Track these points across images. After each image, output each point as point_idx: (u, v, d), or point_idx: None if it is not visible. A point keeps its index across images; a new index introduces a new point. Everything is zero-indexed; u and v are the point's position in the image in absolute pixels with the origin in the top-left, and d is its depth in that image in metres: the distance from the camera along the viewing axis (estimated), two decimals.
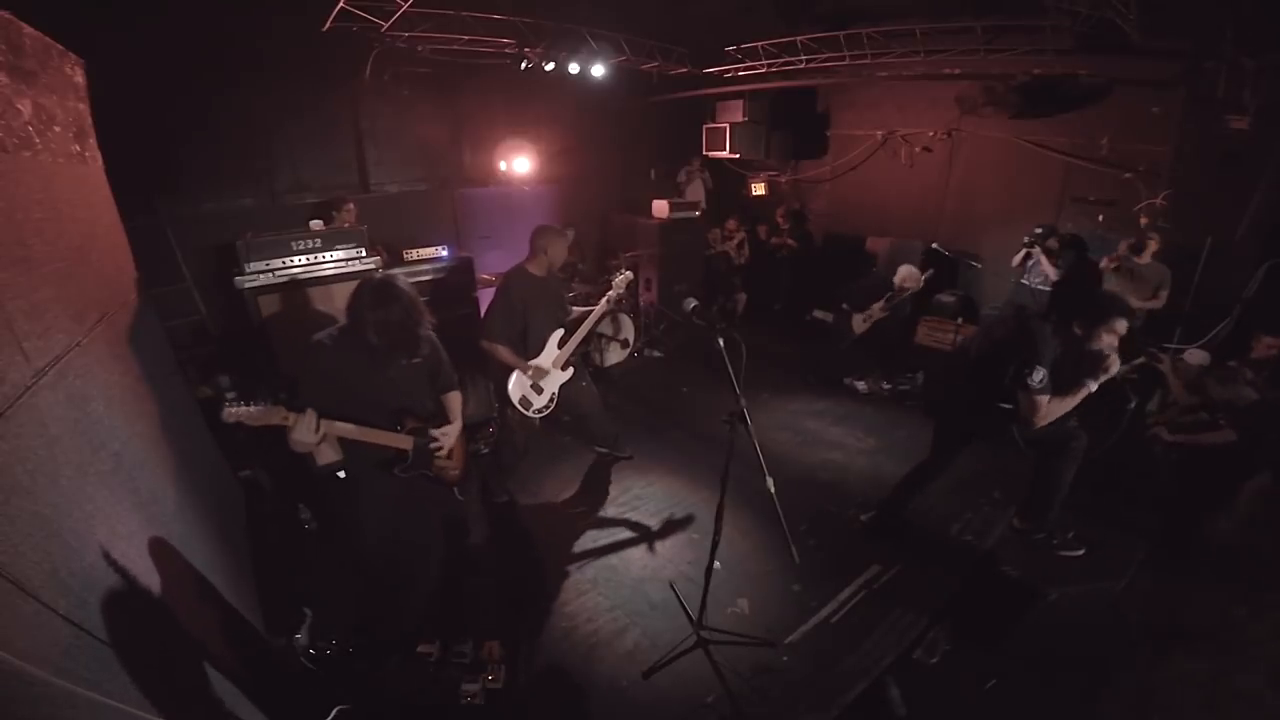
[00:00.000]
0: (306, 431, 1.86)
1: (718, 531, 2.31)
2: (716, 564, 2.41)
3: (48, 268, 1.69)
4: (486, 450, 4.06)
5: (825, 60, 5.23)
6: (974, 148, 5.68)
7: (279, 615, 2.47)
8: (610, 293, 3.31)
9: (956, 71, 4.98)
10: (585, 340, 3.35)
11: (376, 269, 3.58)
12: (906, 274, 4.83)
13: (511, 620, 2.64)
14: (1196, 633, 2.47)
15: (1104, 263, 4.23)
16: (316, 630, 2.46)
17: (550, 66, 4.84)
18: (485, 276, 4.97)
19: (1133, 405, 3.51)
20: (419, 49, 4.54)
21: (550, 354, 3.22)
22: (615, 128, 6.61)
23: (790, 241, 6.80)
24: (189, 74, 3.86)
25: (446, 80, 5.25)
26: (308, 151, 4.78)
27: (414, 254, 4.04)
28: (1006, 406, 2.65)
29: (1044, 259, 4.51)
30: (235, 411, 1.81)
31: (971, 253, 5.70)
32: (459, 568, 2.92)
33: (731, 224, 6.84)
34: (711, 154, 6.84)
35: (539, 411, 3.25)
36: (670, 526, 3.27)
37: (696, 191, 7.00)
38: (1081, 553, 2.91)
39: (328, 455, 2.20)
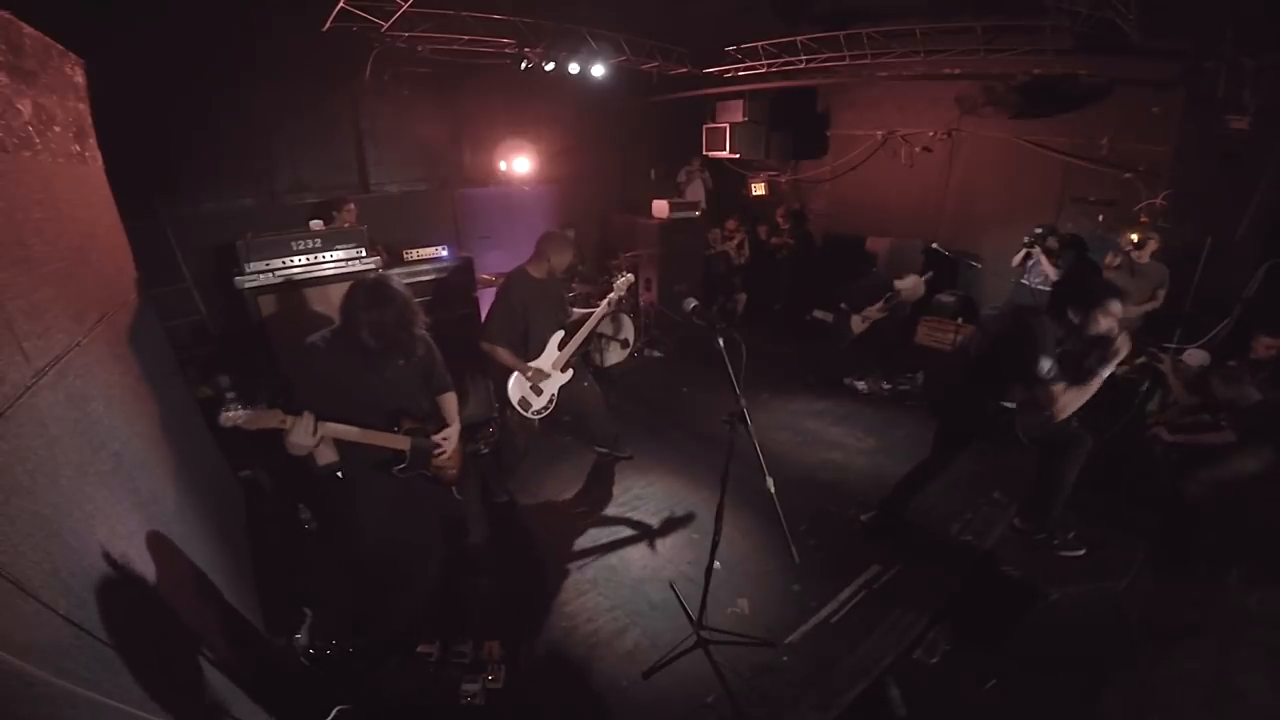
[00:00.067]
0: (304, 434, 1.85)
1: (718, 531, 2.31)
2: (716, 564, 2.41)
3: (48, 268, 1.69)
4: (486, 450, 4.06)
5: (825, 60, 5.23)
6: (974, 148, 5.68)
7: (279, 615, 2.47)
8: (611, 295, 3.32)
9: (956, 71, 4.98)
10: (585, 341, 3.35)
11: (376, 269, 3.58)
12: (909, 283, 4.84)
13: (511, 620, 2.64)
14: (1196, 631, 2.47)
15: (1108, 260, 4.22)
16: (316, 630, 2.46)
17: (550, 66, 4.84)
18: (485, 276, 4.97)
19: (1145, 388, 3.49)
20: (419, 49, 4.54)
21: (550, 356, 3.22)
22: (615, 128, 6.61)
23: (789, 241, 6.79)
24: (189, 74, 3.85)
25: (446, 80, 5.25)
26: (308, 151, 4.78)
27: (414, 254, 4.04)
28: (1009, 405, 2.65)
29: (1044, 259, 4.51)
30: (232, 416, 1.80)
31: (971, 253, 5.70)
32: (459, 568, 2.92)
33: (731, 224, 6.84)
34: (711, 154, 6.84)
35: (538, 413, 3.25)
36: (670, 526, 3.27)
37: (696, 191, 7.00)
38: (1082, 553, 2.91)
39: (327, 455, 2.20)
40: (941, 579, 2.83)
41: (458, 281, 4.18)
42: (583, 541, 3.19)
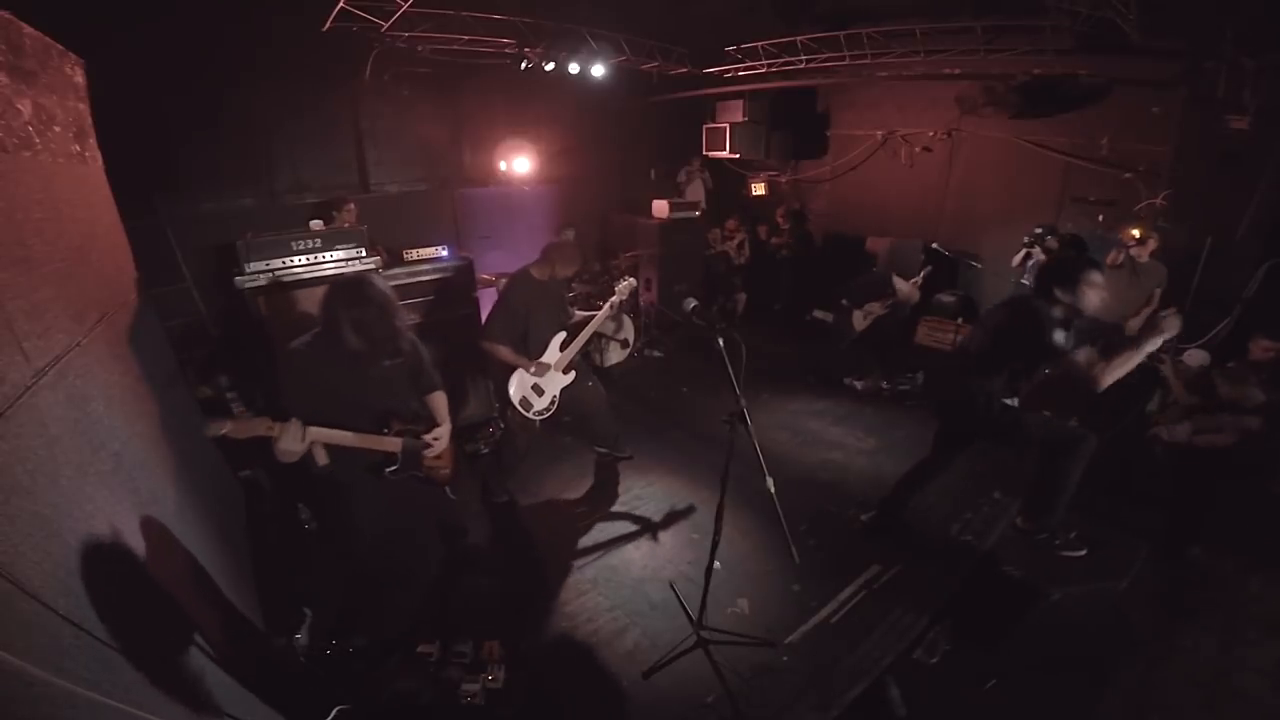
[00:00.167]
0: (292, 440, 1.83)
1: (718, 531, 2.31)
2: (716, 564, 2.41)
3: (48, 268, 1.69)
4: (486, 450, 4.06)
5: (825, 60, 5.23)
6: (974, 148, 5.68)
7: (279, 615, 2.48)
8: (614, 299, 3.32)
9: (956, 71, 4.98)
10: (586, 342, 3.35)
11: (376, 269, 3.58)
12: (906, 290, 4.84)
13: (511, 620, 2.64)
14: (1197, 625, 2.47)
15: (1109, 259, 4.21)
16: (316, 630, 2.45)
17: (550, 66, 4.84)
18: (485, 277, 4.96)
19: (1160, 373, 3.50)
20: (419, 49, 4.54)
21: (552, 357, 3.22)
22: (615, 128, 6.61)
23: (789, 241, 6.79)
24: (189, 74, 3.85)
25: (446, 80, 5.25)
26: (308, 151, 4.78)
27: (414, 254, 4.03)
28: (1011, 404, 2.65)
29: (1044, 259, 4.51)
30: (219, 425, 1.79)
31: (971, 253, 5.70)
32: (458, 567, 2.92)
33: (732, 224, 6.85)
34: (711, 154, 6.84)
35: (539, 414, 3.25)
36: (670, 526, 3.27)
37: (696, 191, 7.00)
38: (1084, 553, 2.91)
39: (323, 457, 2.20)
40: (941, 579, 2.82)
41: (458, 282, 4.17)
42: (583, 541, 3.19)
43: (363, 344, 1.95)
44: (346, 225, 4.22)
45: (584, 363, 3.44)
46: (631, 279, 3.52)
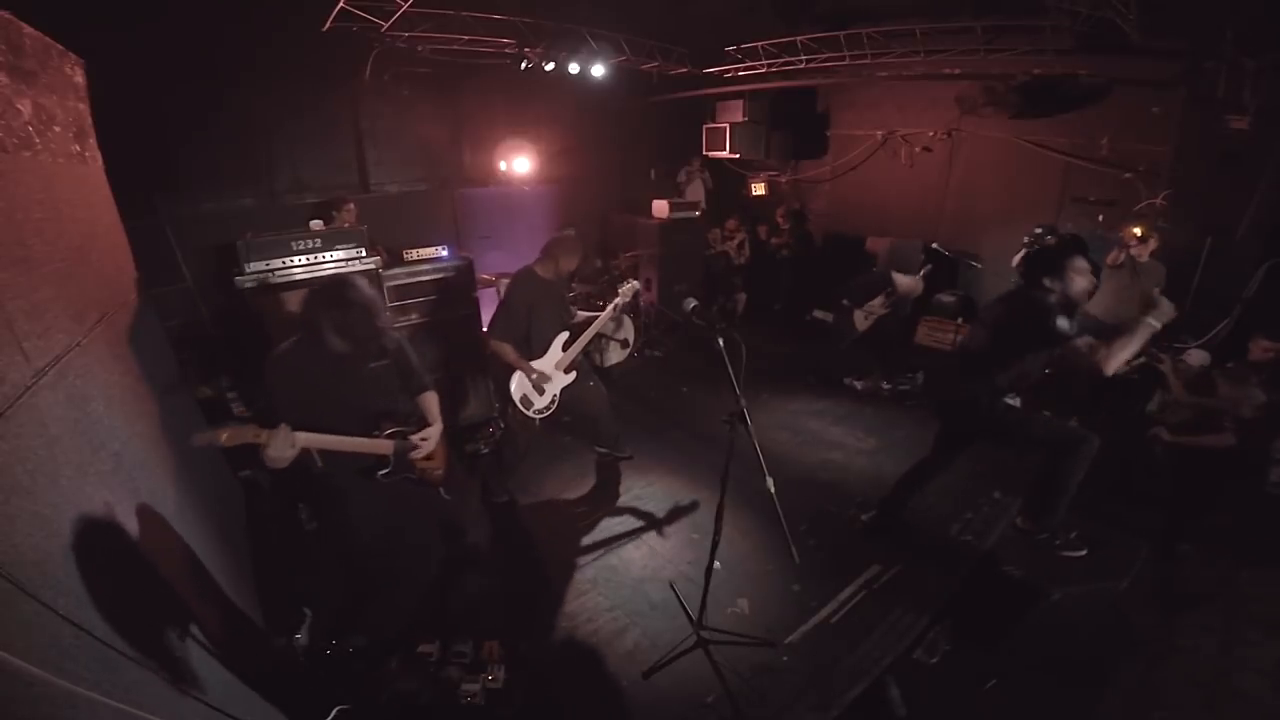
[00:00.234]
0: (281, 447, 1.81)
1: (718, 531, 2.31)
2: (716, 564, 2.41)
3: (48, 268, 1.69)
4: (486, 450, 4.06)
5: (825, 60, 5.23)
6: (974, 148, 5.68)
7: (279, 615, 2.48)
8: (617, 300, 3.32)
9: (956, 71, 4.98)
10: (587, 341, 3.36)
11: (376, 269, 3.58)
12: (904, 281, 4.83)
13: (511, 620, 2.64)
14: (1197, 625, 2.47)
15: (1110, 259, 4.21)
16: (316, 630, 2.45)
17: (550, 66, 4.84)
18: (485, 277, 4.97)
19: (1160, 372, 3.51)
20: (419, 49, 4.54)
21: (554, 356, 3.22)
22: (615, 128, 6.61)
23: (789, 241, 6.79)
24: (189, 74, 3.85)
25: (446, 80, 5.24)
26: (308, 151, 4.77)
27: (414, 254, 4.04)
28: (1013, 403, 2.65)
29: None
30: (206, 436, 1.77)
31: (971, 253, 5.70)
32: (458, 567, 2.92)
33: (732, 224, 6.84)
34: (711, 154, 6.84)
35: (539, 412, 3.25)
36: (670, 526, 3.27)
37: (696, 191, 7.00)
38: (1084, 553, 2.91)
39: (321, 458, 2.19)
40: (942, 579, 2.82)
41: (458, 282, 4.18)
42: (583, 541, 3.19)
43: (347, 346, 1.94)
44: (346, 225, 4.22)
45: (585, 362, 3.44)
46: (635, 281, 3.52)
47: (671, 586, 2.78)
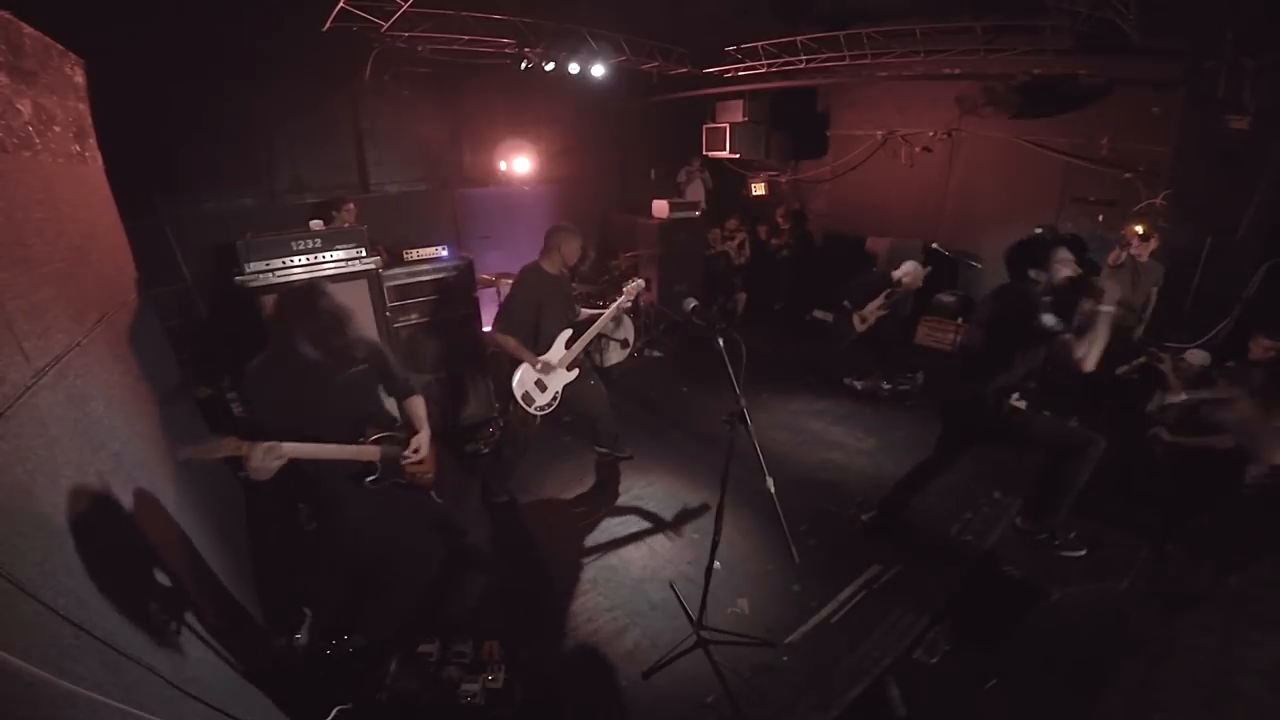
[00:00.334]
0: (265, 458, 1.79)
1: (718, 531, 2.31)
2: (716, 564, 2.41)
3: (48, 268, 1.69)
4: (487, 450, 4.06)
5: (825, 60, 5.23)
6: (974, 148, 5.68)
7: (279, 615, 2.47)
8: (620, 300, 3.32)
9: (956, 71, 4.98)
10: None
11: (376, 269, 3.58)
12: (909, 269, 4.82)
13: (511, 620, 2.64)
14: (1198, 625, 2.47)
15: (1110, 259, 4.21)
16: (316, 630, 2.45)
17: (550, 66, 4.84)
18: (485, 276, 4.97)
19: (1161, 372, 3.53)
20: (419, 49, 4.54)
21: (558, 353, 3.22)
22: (615, 128, 6.61)
23: (789, 241, 6.79)
24: (189, 74, 3.86)
25: (446, 80, 5.25)
26: (308, 151, 4.78)
27: (414, 254, 4.04)
28: (1018, 404, 2.65)
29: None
30: (188, 451, 1.75)
31: (971, 253, 5.71)
32: (457, 568, 2.92)
33: (732, 224, 6.84)
34: (711, 154, 6.84)
35: (541, 409, 3.25)
36: (670, 526, 3.27)
37: (696, 191, 7.00)
38: (1083, 553, 2.91)
39: None
40: (942, 579, 2.82)
41: (458, 282, 4.18)
42: (583, 541, 3.18)
43: (320, 354, 1.93)
44: (346, 225, 4.22)
45: (585, 362, 3.44)
46: (640, 280, 3.51)
47: (671, 586, 2.78)
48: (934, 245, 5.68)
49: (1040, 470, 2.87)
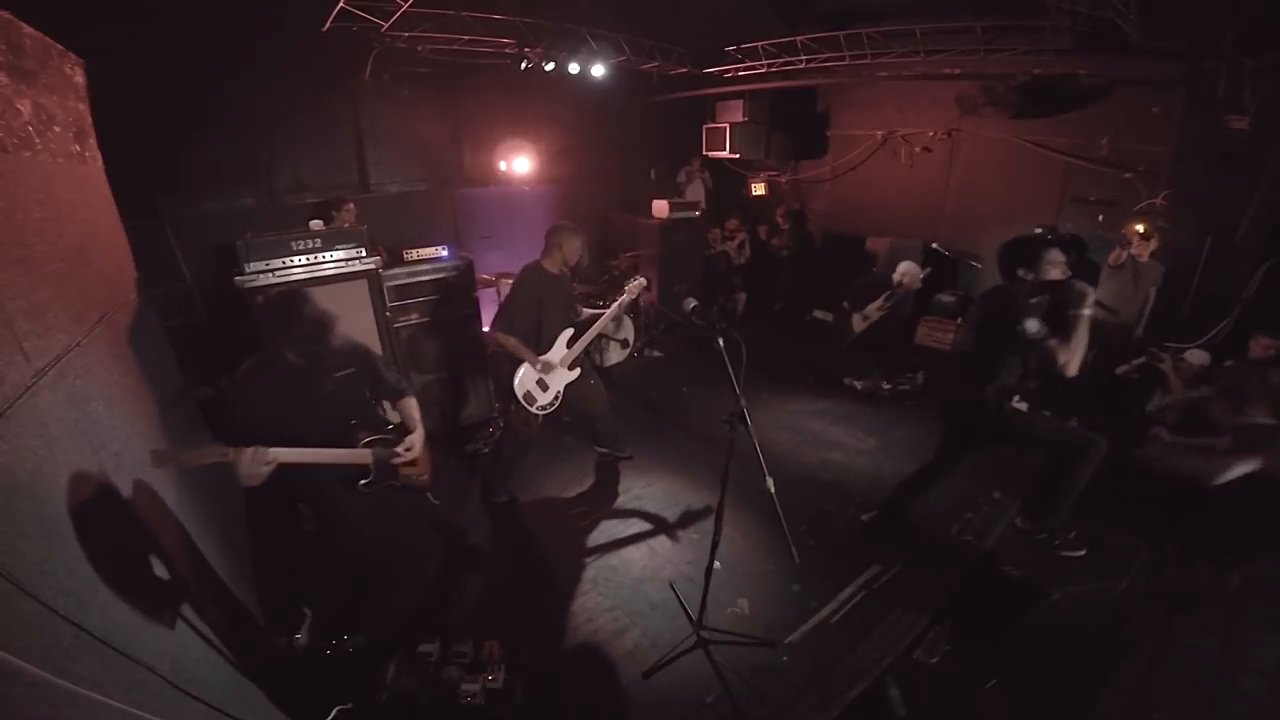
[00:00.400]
0: (253, 464, 1.78)
1: (718, 531, 2.31)
2: (716, 564, 2.41)
3: (48, 268, 1.69)
4: (487, 450, 4.06)
5: (825, 60, 5.23)
6: (974, 148, 5.68)
7: (279, 615, 2.47)
8: (623, 298, 3.33)
9: (956, 71, 4.98)
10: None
11: (376, 269, 3.58)
12: (906, 269, 4.82)
13: (511, 620, 2.64)
14: (1198, 625, 2.47)
15: (1110, 259, 4.21)
16: (316, 630, 2.45)
17: (550, 66, 4.84)
18: (485, 277, 4.96)
19: (1161, 372, 3.54)
20: (419, 49, 4.54)
21: (559, 352, 3.22)
22: (615, 128, 6.61)
23: (789, 241, 6.79)
24: (189, 74, 3.86)
25: (446, 80, 5.25)
26: (308, 151, 4.78)
27: (414, 254, 4.03)
28: (1019, 406, 2.65)
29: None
30: (172, 457, 1.72)
31: (971, 253, 5.70)
32: (457, 568, 2.92)
33: (733, 223, 6.84)
34: (711, 154, 6.84)
35: (543, 409, 3.25)
36: (670, 526, 3.27)
37: (696, 191, 7.00)
38: (1083, 553, 2.91)
39: None
40: (942, 579, 2.82)
41: (458, 282, 4.17)
42: (583, 541, 3.19)
43: (305, 361, 1.92)
44: (346, 225, 4.22)
45: (585, 362, 3.44)
46: (642, 278, 3.51)
47: (671, 586, 2.78)
48: (934, 245, 5.68)
49: (1041, 470, 2.87)
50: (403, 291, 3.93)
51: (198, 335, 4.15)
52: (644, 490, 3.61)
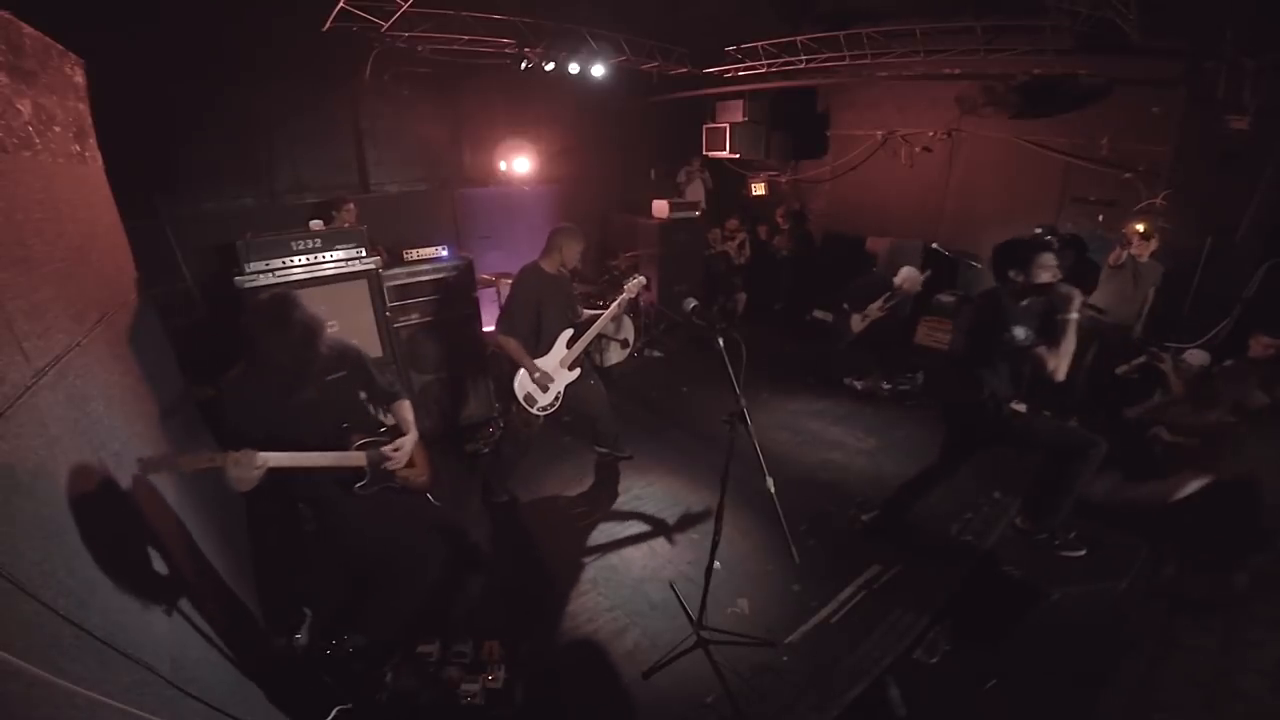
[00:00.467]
0: (245, 469, 1.76)
1: (718, 531, 2.31)
2: (716, 564, 2.41)
3: (48, 268, 1.69)
4: (487, 450, 4.06)
5: (825, 60, 5.23)
6: (974, 148, 5.68)
7: (279, 615, 2.47)
8: (622, 296, 3.32)
9: (956, 71, 4.98)
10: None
11: (376, 269, 3.58)
12: (907, 275, 4.83)
13: (511, 620, 2.64)
14: (1198, 625, 2.47)
15: (1111, 259, 4.21)
16: (316, 630, 2.45)
17: (550, 66, 4.84)
18: (485, 277, 4.96)
19: (1161, 372, 3.56)
20: (419, 49, 4.54)
21: (559, 353, 3.22)
22: (615, 128, 6.61)
23: (789, 241, 6.79)
24: (189, 74, 3.86)
25: (446, 80, 5.25)
26: (308, 151, 4.78)
27: (414, 254, 4.03)
28: (1018, 408, 2.65)
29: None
30: (153, 463, 1.67)
31: (971, 253, 5.70)
32: (457, 568, 2.92)
33: (733, 223, 6.85)
34: (711, 154, 6.84)
35: (543, 410, 3.25)
36: (670, 526, 3.27)
37: (696, 191, 7.00)
38: (1083, 553, 2.91)
39: None
40: (942, 579, 2.82)
41: (458, 282, 4.17)
42: (583, 541, 3.18)
43: (296, 365, 1.91)
44: (346, 225, 4.22)
45: (585, 362, 3.44)
46: (641, 277, 3.51)
47: (671, 586, 2.78)
48: (934, 245, 5.68)
49: (1041, 470, 2.87)
50: (403, 291, 3.93)
51: (198, 335, 4.15)
52: (644, 490, 3.61)
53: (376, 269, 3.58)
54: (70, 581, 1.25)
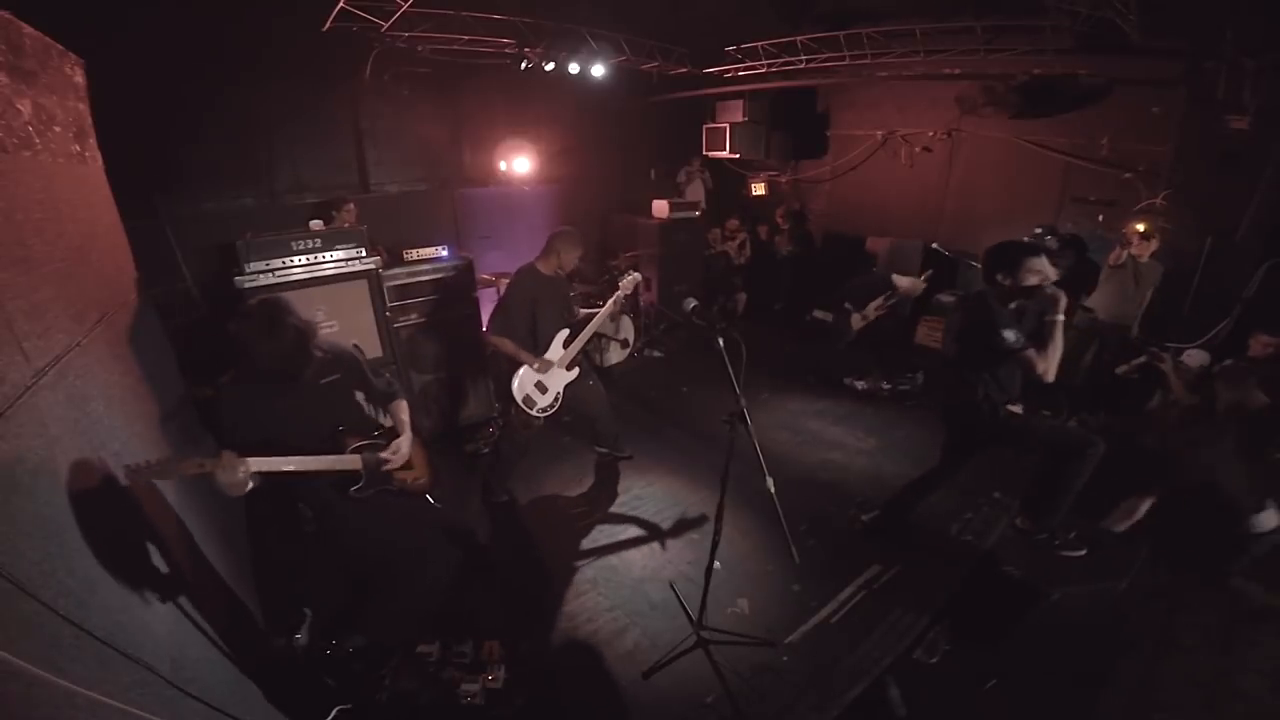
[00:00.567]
0: (231, 473, 1.74)
1: (718, 531, 2.31)
2: (716, 564, 2.41)
3: (48, 268, 1.69)
4: (487, 450, 4.06)
5: (825, 60, 5.23)
6: (974, 148, 5.68)
7: (279, 615, 2.48)
8: (618, 294, 3.32)
9: (956, 71, 4.98)
10: (587, 340, 3.35)
11: (377, 269, 3.58)
12: (910, 286, 4.81)
13: (511, 620, 2.64)
14: (1198, 625, 2.47)
15: (1111, 259, 4.21)
16: (316, 630, 2.45)
17: (550, 66, 4.84)
18: (485, 277, 4.96)
19: (1161, 372, 3.55)
20: (419, 49, 4.54)
21: (556, 353, 3.22)
22: (615, 128, 6.61)
23: (788, 240, 6.79)
24: (189, 74, 3.85)
25: (446, 80, 5.25)
26: (308, 151, 4.78)
27: (414, 254, 4.03)
28: (1014, 409, 2.65)
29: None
30: (139, 471, 1.62)
31: (971, 253, 5.68)
32: (457, 568, 2.92)
33: (733, 223, 6.85)
34: (711, 154, 6.84)
35: (543, 411, 3.25)
36: (670, 526, 3.27)
37: (696, 191, 7.01)
38: (1083, 553, 2.91)
39: None
40: (942, 579, 2.82)
41: (458, 282, 4.17)
42: (583, 541, 3.18)
43: (288, 369, 1.91)
44: (346, 225, 4.22)
45: (584, 362, 3.44)
46: (636, 273, 3.51)
47: (671, 586, 2.78)
48: (934, 245, 5.68)
49: (1040, 471, 2.87)
50: (403, 291, 3.93)
51: (198, 335, 4.15)
52: (644, 490, 3.61)
53: (376, 269, 3.58)
54: (70, 581, 1.25)
